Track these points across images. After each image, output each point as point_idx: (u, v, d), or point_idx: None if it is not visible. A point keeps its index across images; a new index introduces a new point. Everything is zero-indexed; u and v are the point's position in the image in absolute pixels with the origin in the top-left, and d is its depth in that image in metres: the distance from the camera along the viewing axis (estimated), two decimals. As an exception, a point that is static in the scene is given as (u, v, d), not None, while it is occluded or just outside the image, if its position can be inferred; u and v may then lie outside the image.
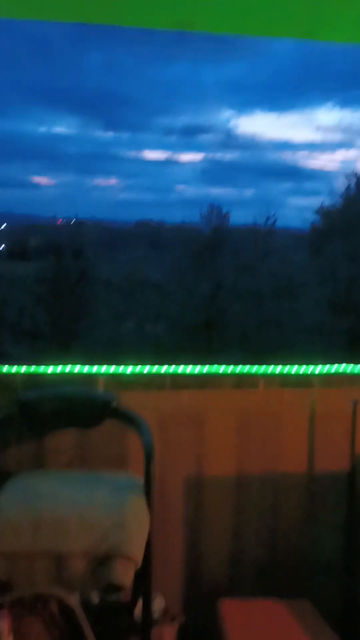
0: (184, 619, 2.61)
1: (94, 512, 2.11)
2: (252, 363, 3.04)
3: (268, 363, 3.06)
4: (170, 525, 2.73)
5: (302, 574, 2.82)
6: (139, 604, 2.32)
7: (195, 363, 2.98)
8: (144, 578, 2.25)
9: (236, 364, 3.03)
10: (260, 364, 3.06)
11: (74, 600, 2.07)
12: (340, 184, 21.43)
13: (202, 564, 2.80)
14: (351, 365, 3.01)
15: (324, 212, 21.39)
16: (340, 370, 3.02)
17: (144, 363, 2.96)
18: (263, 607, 2.55)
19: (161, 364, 2.94)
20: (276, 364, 3.01)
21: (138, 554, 2.11)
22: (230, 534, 2.81)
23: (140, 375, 2.85)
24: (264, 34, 2.79)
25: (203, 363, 2.98)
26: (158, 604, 2.54)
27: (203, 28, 2.62)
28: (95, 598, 2.18)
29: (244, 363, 3.03)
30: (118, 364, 2.87)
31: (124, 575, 2.05)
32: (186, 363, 2.96)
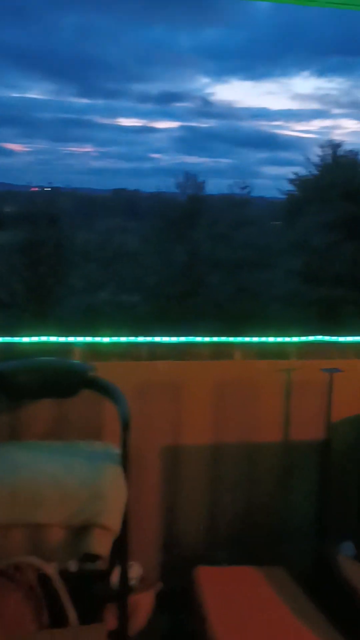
0: (161, 586, 2.64)
1: (71, 483, 2.11)
2: (229, 333, 3.04)
3: (244, 333, 3.07)
4: (148, 495, 2.75)
5: (277, 541, 2.87)
6: (117, 572, 2.34)
7: (171, 333, 2.97)
8: (121, 546, 2.27)
9: (212, 333, 3.03)
10: (237, 333, 3.07)
11: (52, 570, 2.08)
12: (315, 154, 21.36)
13: (179, 532, 2.83)
14: (326, 336, 3.04)
15: (299, 182, 21.35)
16: (316, 341, 3.05)
17: (120, 333, 2.95)
18: (239, 574, 2.59)
19: (137, 334, 2.93)
20: (252, 334, 3.02)
21: (115, 523, 2.12)
22: (207, 503, 2.84)
23: (116, 346, 2.84)
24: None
25: (179, 333, 2.97)
26: (135, 572, 2.57)
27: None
28: (73, 567, 2.19)
29: (221, 333, 3.04)
30: (94, 334, 2.85)
31: (102, 544, 2.06)
32: (162, 333, 2.95)
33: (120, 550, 2.29)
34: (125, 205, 21.45)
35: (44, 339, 2.79)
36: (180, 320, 14.79)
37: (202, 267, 17.14)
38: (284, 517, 2.89)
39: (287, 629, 2.22)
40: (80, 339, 2.81)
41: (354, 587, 2.34)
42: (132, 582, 2.48)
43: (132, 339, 2.84)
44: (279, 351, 2.99)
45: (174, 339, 2.90)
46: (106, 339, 2.82)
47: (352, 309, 16.67)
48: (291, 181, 21.41)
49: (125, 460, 2.32)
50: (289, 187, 21.44)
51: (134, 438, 2.42)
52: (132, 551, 2.38)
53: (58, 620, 2.05)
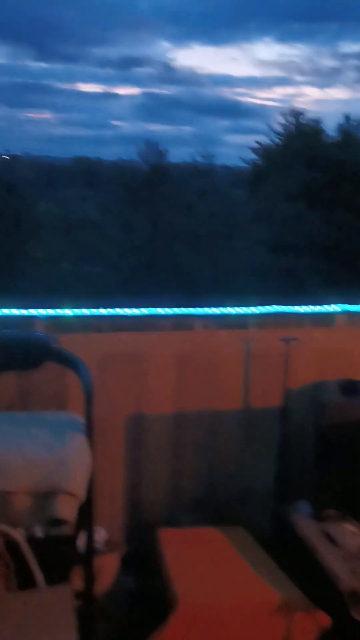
0: (126, 548, 2.74)
1: (36, 451, 2.16)
2: (192, 304, 3.10)
3: (206, 305, 3.13)
4: (112, 462, 2.82)
5: (238, 503, 2.99)
6: (83, 536, 2.42)
7: (135, 304, 3.01)
8: (86, 512, 2.34)
9: (175, 305, 3.09)
10: (200, 305, 3.13)
11: (19, 535, 2.14)
12: (278, 122, 21.34)
13: (143, 497, 2.92)
14: (285, 307, 3.13)
15: (262, 151, 21.34)
16: (275, 311, 3.13)
17: (83, 305, 2.98)
18: (200, 535, 2.71)
19: (100, 305, 2.96)
20: (213, 305, 3.09)
21: (80, 490, 2.18)
22: (170, 468, 2.94)
23: (79, 318, 2.87)
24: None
25: (143, 304, 3.02)
26: (101, 536, 2.65)
27: None
28: (39, 532, 2.26)
29: (183, 304, 3.09)
30: (56, 306, 2.88)
31: (67, 509, 2.12)
32: (126, 304, 2.99)
33: (86, 515, 2.36)
34: (87, 173, 21.14)
35: (5, 311, 2.81)
36: (143, 291, 14.80)
37: (165, 237, 17.10)
38: (245, 480, 3.00)
39: (246, 583, 2.35)
40: (42, 311, 2.83)
41: (309, 543, 2.47)
42: (98, 545, 2.57)
43: (94, 311, 2.88)
44: (239, 321, 3.06)
45: (136, 311, 2.95)
46: (69, 312, 2.85)
47: (317, 278, 16.91)
48: (254, 150, 21.43)
49: (89, 430, 2.38)
50: (253, 155, 21.46)
51: (98, 408, 2.48)
52: (97, 516, 2.46)
53: (26, 583, 2.12)
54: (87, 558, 2.40)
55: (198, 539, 2.68)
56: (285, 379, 2.93)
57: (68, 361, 2.57)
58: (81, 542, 2.42)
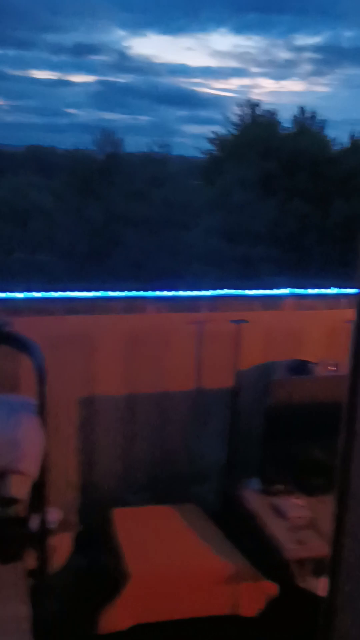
0: (80, 528, 2.77)
1: (-13, 433, 2.17)
2: (144, 290, 3.13)
3: (159, 288, 3.16)
4: (66, 443, 2.85)
5: (190, 481, 3.06)
6: (36, 516, 2.44)
7: (96, 287, 3.02)
8: (39, 492, 2.37)
9: (127, 289, 3.11)
10: (155, 287, 3.16)
11: (-30, 516, 2.15)
12: (234, 113, 21.43)
13: (96, 477, 2.96)
14: (234, 290, 3.20)
15: (219, 141, 21.42)
16: (225, 294, 3.20)
17: (34, 289, 2.97)
18: (153, 513, 2.76)
19: (52, 291, 2.97)
20: (165, 288, 3.13)
21: (33, 469, 2.21)
22: (122, 449, 2.98)
23: (30, 301, 2.87)
24: None
25: (104, 287, 3.02)
26: (55, 516, 2.67)
27: None
28: (-8, 513, 2.27)
29: (135, 289, 3.12)
30: (7, 289, 2.87)
31: (19, 489, 2.15)
32: (77, 288, 3.00)
33: (39, 495, 2.39)
34: (40, 162, 20.81)
35: None
36: (96, 280, 14.71)
37: (118, 225, 17.02)
38: (196, 459, 3.07)
39: (195, 555, 2.42)
40: (-6, 295, 2.82)
41: (256, 515, 2.56)
42: (51, 525, 2.59)
43: (46, 294, 2.88)
44: (191, 305, 3.11)
45: (87, 294, 2.96)
46: (20, 295, 2.85)
47: (271, 267, 17.11)
48: (211, 140, 21.47)
49: (41, 411, 2.40)
50: (209, 146, 21.50)
51: (50, 390, 2.50)
52: (51, 496, 2.49)
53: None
54: (41, 537, 2.42)
55: (150, 517, 2.73)
56: (235, 360, 3.00)
57: (20, 344, 2.58)
58: (35, 522, 2.44)
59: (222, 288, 3.23)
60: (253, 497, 2.68)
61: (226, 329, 3.01)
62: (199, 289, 3.20)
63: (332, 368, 2.96)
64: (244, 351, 3.01)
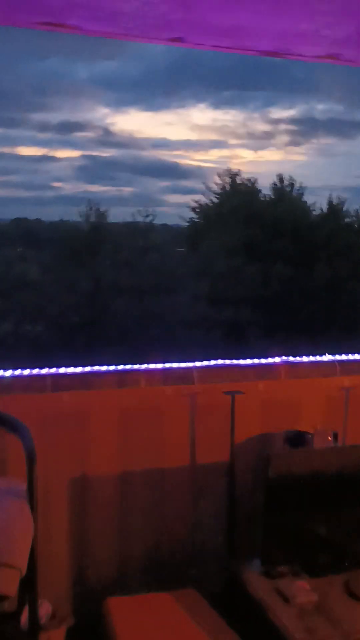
0: (73, 620, 2.60)
1: (-26, 523, 2.05)
2: (135, 359, 3.07)
3: (150, 359, 3.11)
4: (56, 528, 2.71)
5: (189, 563, 2.91)
6: (26, 611, 2.29)
7: (77, 362, 2.96)
8: (29, 585, 2.22)
9: (118, 361, 3.05)
10: (143, 359, 3.11)
11: None
12: (215, 182, 22.04)
13: (89, 564, 2.80)
14: (228, 360, 3.14)
15: (201, 209, 21.93)
16: (218, 365, 3.14)
17: (23, 364, 2.90)
18: (150, 602, 2.60)
19: (41, 365, 2.90)
20: (157, 361, 3.07)
21: (22, 562, 2.07)
22: (116, 531, 2.84)
23: (19, 378, 2.80)
24: (136, 39, 2.81)
25: (85, 361, 2.96)
26: (45, 609, 2.51)
27: (70, 30, 2.60)
28: (-22, 610, 2.12)
29: (127, 359, 3.06)
30: (-4, 368, 2.80)
31: (8, 584, 2.00)
32: (68, 363, 2.94)
33: (29, 588, 2.24)
34: (26, 234, 21.12)
35: None
36: (85, 349, 14.65)
37: (106, 294, 17.13)
38: (194, 539, 2.93)
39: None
40: (-20, 373, 2.74)
41: (259, 601, 2.41)
42: (42, 620, 2.43)
43: (35, 371, 2.81)
44: (183, 376, 3.05)
45: (78, 369, 2.90)
46: (8, 373, 2.77)
47: (256, 330, 17.20)
48: (193, 209, 21.97)
49: (30, 495, 2.28)
50: (191, 214, 21.99)
51: (41, 471, 2.39)
52: (41, 588, 2.34)
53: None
54: (32, 634, 2.26)
55: (148, 606, 2.57)
56: (231, 432, 2.91)
57: (8, 423, 2.49)
58: (25, 618, 2.29)
59: (210, 359, 3.18)
60: (255, 580, 2.54)
61: (220, 401, 2.94)
62: (192, 359, 3.15)
63: (330, 438, 2.88)
64: (239, 423, 2.93)
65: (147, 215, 20.79)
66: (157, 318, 16.90)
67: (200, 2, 2.46)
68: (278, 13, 2.50)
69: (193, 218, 21.98)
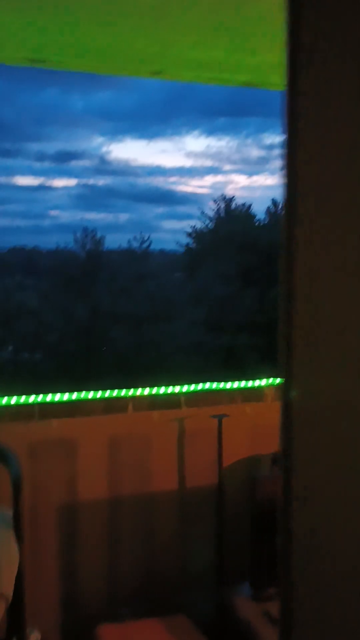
0: (63, 649, 2.59)
1: None
2: (132, 386, 3.09)
3: (146, 385, 3.13)
4: (44, 555, 2.71)
5: (179, 589, 2.90)
6: (14, 640, 2.28)
7: (75, 389, 2.98)
8: (17, 613, 2.22)
9: (110, 387, 3.07)
10: (135, 384, 3.13)
11: None
12: (210, 208, 22.25)
13: (79, 591, 2.80)
14: (214, 383, 3.17)
15: (196, 235, 22.09)
16: (205, 389, 3.17)
17: (14, 392, 2.93)
18: (141, 629, 2.59)
19: (34, 393, 2.92)
20: (144, 385, 3.10)
21: (7, 590, 2.08)
22: (106, 558, 2.84)
23: (6, 407, 2.82)
24: (118, 73, 2.91)
25: (83, 389, 2.98)
26: (35, 638, 2.50)
27: (53, 65, 2.70)
28: (-35, 640, 2.12)
29: (125, 386, 3.08)
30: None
31: (-6, 612, 2.01)
32: (65, 390, 2.96)
33: (16, 617, 2.24)
34: (24, 262, 21.27)
35: None
36: (83, 377, 14.66)
37: (104, 321, 17.19)
38: (184, 564, 2.93)
39: None
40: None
41: (249, 624, 2.41)
42: (31, 649, 2.42)
43: (23, 398, 2.84)
44: (171, 401, 3.08)
45: (65, 396, 2.92)
46: (-4, 401, 2.80)
47: (254, 355, 17.22)
48: (189, 234, 22.15)
49: (17, 523, 2.29)
50: (187, 240, 22.16)
51: (29, 498, 2.41)
52: (29, 616, 2.34)
53: None
54: (19, 664, 2.25)
55: (138, 633, 2.57)
56: (219, 456, 2.93)
57: (-5, 452, 2.50)
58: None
59: (202, 382, 3.21)
60: (244, 604, 2.54)
61: (207, 425, 2.96)
62: (179, 384, 3.18)
63: (318, 459, 2.89)
64: (226, 446, 2.95)
65: (143, 242, 20.96)
66: (156, 345, 16.94)
67: (177, 39, 2.56)
68: (253, 47, 2.60)
69: (189, 244, 22.13)
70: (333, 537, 1.00)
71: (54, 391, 2.94)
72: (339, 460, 0.99)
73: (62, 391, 2.95)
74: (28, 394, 2.89)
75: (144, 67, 2.82)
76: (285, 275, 0.99)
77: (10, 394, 2.90)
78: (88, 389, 3.01)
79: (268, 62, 2.68)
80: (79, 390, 2.98)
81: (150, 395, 3.04)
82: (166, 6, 2.20)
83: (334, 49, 0.95)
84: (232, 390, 3.19)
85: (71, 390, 2.98)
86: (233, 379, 3.26)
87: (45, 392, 2.92)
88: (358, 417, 0.98)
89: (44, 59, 2.63)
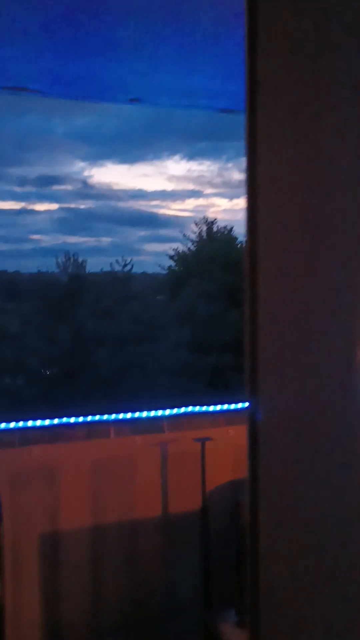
0: None
1: None
2: (116, 410, 3.07)
3: (124, 409, 3.11)
4: (26, 585, 2.66)
5: (164, 616, 2.86)
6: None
7: (57, 415, 2.95)
8: (-3, 646, 2.18)
9: (93, 412, 3.05)
10: (118, 408, 3.11)
11: None
12: (192, 231, 22.40)
13: (62, 622, 2.74)
14: (197, 407, 3.17)
15: (179, 257, 22.19)
16: (188, 412, 3.16)
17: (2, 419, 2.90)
18: (126, 657, 2.55)
19: (14, 418, 2.89)
20: (127, 410, 3.08)
21: (-12, 622, 2.04)
22: (90, 588, 2.79)
23: (-13, 434, 2.79)
24: (96, 100, 2.95)
25: (65, 414, 2.96)
26: (16, 672, 2.45)
27: (33, 93, 2.72)
28: None
29: (107, 410, 3.06)
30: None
31: (-26, 646, 1.97)
32: (43, 416, 2.93)
33: (-3, 649, 2.19)
34: (5, 286, 21.17)
35: None
36: (66, 401, 14.55)
37: (87, 344, 17.10)
38: (169, 591, 2.89)
39: None
40: None
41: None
42: None
43: (2, 425, 2.81)
44: (154, 425, 3.06)
45: (47, 422, 2.90)
46: (-25, 428, 2.76)
47: (239, 375, 17.21)
48: (171, 257, 22.24)
49: (-2, 552, 2.26)
50: (170, 262, 22.25)
51: (9, 528, 2.38)
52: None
53: None
54: None
55: (123, 663, 2.52)
56: (202, 480, 2.91)
57: (-25, 480, 2.47)
58: None
59: (184, 406, 3.20)
60: (230, 631, 2.50)
61: (191, 448, 2.95)
62: (162, 408, 3.16)
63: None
64: (210, 470, 2.94)
65: (126, 264, 20.99)
66: (140, 367, 16.88)
67: (154, 66, 2.60)
68: (229, 74, 2.64)
69: (171, 266, 22.22)
70: (301, 563, 0.99)
71: (36, 417, 2.92)
72: (305, 482, 0.98)
73: (44, 417, 2.93)
74: (8, 420, 2.86)
75: (122, 94, 2.85)
76: (249, 295, 1.00)
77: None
78: (70, 414, 2.98)
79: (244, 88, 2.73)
80: (61, 415, 2.96)
81: (133, 419, 3.02)
82: (144, 35, 2.24)
83: (287, 77, 0.98)
84: (215, 413, 3.18)
85: (53, 416, 2.95)
86: (219, 399, 3.25)
87: (26, 418, 2.89)
88: (321, 437, 0.98)
89: (23, 87, 2.65)
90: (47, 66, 2.60)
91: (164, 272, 22.16)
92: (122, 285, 20.30)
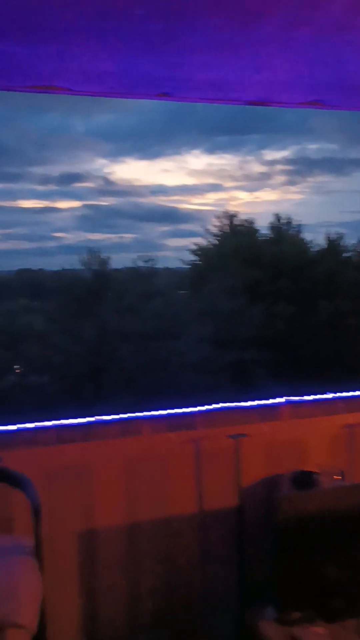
0: None
1: (-20, 582, 2.03)
2: (142, 406, 3.07)
3: (155, 406, 3.11)
4: (64, 583, 2.67)
5: (201, 613, 2.85)
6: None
7: (83, 412, 2.96)
8: (39, 644, 2.18)
9: (124, 409, 3.06)
10: (150, 406, 3.11)
11: None
12: (214, 225, 22.31)
13: (101, 617, 2.75)
14: (231, 402, 3.15)
15: (200, 252, 22.14)
16: (221, 408, 3.14)
17: (27, 418, 2.91)
18: (164, 654, 2.55)
19: (46, 417, 2.91)
20: (160, 407, 3.07)
21: (31, 621, 2.04)
22: (127, 583, 2.80)
23: (23, 432, 2.80)
24: (125, 96, 2.92)
25: (92, 410, 2.97)
26: (56, 669, 2.46)
27: (60, 92, 2.71)
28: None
29: (133, 406, 3.07)
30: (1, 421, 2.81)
31: (17, 644, 1.97)
32: (72, 414, 2.95)
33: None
34: (30, 285, 21.33)
35: None
36: (92, 398, 14.63)
37: (111, 341, 17.16)
38: (205, 587, 2.88)
39: None
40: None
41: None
42: None
43: (38, 424, 2.82)
44: (187, 421, 3.05)
45: (81, 420, 2.90)
46: (11, 427, 2.78)
47: (262, 370, 17.15)
48: (193, 251, 22.20)
49: (37, 551, 2.27)
50: (192, 257, 22.20)
51: (47, 526, 2.38)
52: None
53: None
54: None
55: (162, 660, 2.52)
56: (237, 476, 2.89)
57: (12, 479, 2.49)
58: None
59: (217, 402, 3.18)
60: (269, 628, 2.48)
61: (225, 445, 2.93)
62: (194, 404, 3.15)
63: (338, 477, 2.86)
64: (244, 466, 2.92)
65: (148, 260, 20.99)
66: (164, 363, 16.89)
67: (184, 60, 2.57)
68: (259, 66, 2.60)
69: (194, 261, 22.17)
70: None
71: (63, 414, 2.93)
72: None
73: (72, 414, 2.94)
74: (38, 419, 2.87)
75: (152, 89, 2.82)
76: None
77: (21, 419, 2.88)
78: (97, 410, 2.99)
79: (273, 80, 2.69)
80: (91, 413, 2.96)
81: (166, 417, 3.01)
82: (172, 28, 2.21)
83: None
84: (247, 409, 3.15)
85: (81, 413, 2.96)
86: (242, 394, 3.23)
87: (55, 415, 2.90)
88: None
89: (51, 85, 2.64)
90: (76, 63, 2.58)
91: (186, 267, 22.14)
92: (145, 281, 20.30)
